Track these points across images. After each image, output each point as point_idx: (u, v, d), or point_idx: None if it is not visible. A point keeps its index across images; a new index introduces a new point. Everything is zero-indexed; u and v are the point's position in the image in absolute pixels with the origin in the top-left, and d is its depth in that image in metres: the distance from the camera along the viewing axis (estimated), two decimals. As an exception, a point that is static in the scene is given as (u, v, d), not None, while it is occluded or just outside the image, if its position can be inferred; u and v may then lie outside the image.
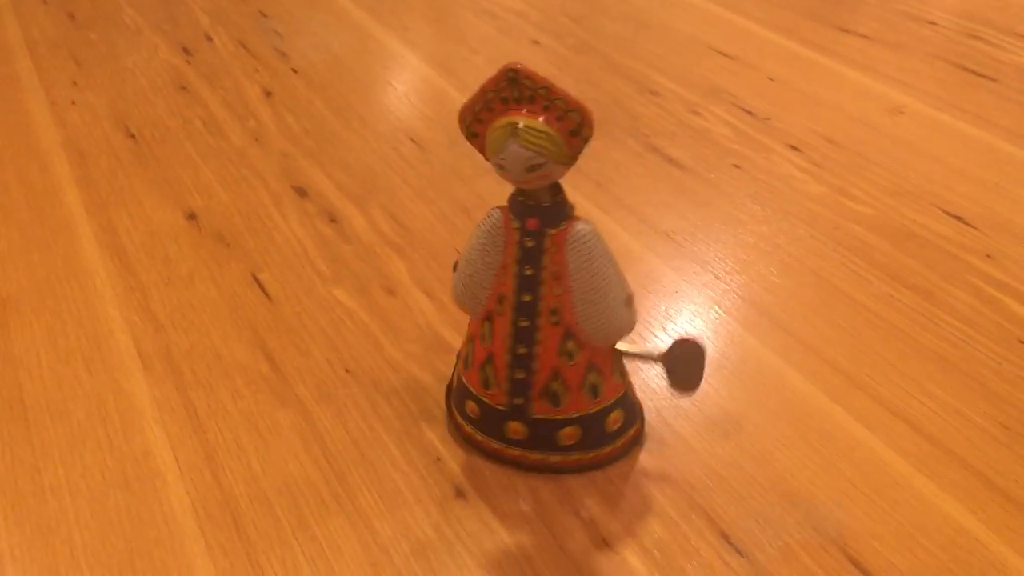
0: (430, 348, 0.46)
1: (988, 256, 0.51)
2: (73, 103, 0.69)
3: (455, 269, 0.39)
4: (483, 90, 0.35)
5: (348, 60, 0.75)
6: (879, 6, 0.82)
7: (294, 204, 0.57)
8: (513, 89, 0.35)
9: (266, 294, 0.50)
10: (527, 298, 0.37)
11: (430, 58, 0.75)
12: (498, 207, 0.38)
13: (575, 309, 0.37)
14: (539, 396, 0.38)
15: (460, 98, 0.69)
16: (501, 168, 0.35)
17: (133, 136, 0.65)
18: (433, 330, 0.47)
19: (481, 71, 0.74)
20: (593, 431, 0.39)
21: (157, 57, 0.76)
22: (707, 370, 0.39)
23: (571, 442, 0.39)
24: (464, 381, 0.40)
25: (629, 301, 0.38)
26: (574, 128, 0.34)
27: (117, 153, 0.63)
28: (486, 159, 0.36)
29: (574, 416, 0.39)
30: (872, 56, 0.73)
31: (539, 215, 0.37)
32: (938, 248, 0.52)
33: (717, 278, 0.50)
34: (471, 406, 0.40)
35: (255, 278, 0.51)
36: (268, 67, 0.74)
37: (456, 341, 0.47)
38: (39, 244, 0.54)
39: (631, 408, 0.40)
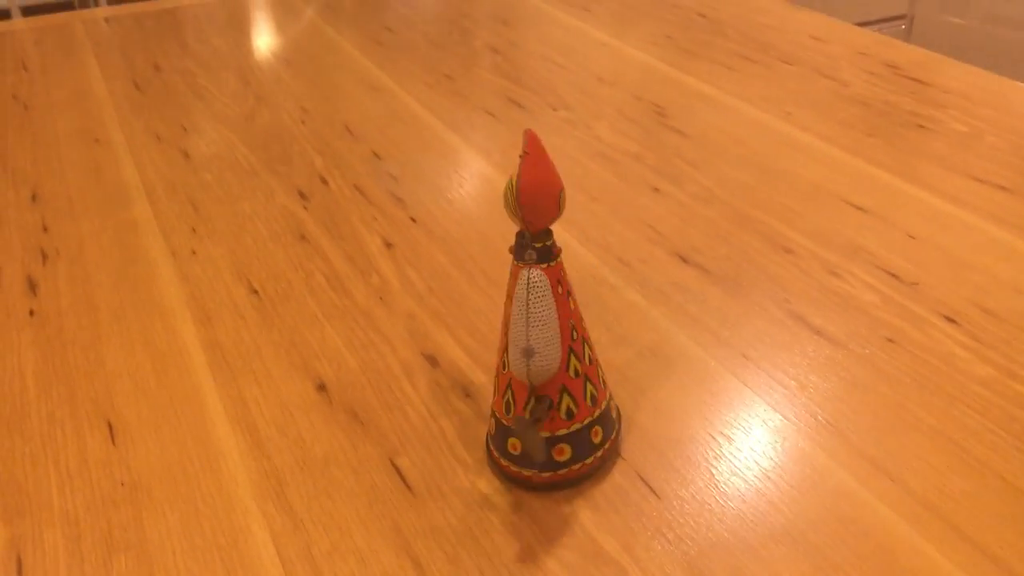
0: (588, 559, 0.43)
1: None
2: (194, 253, 0.69)
3: (531, 354, 0.43)
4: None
5: (466, 208, 0.74)
6: (1012, 153, 0.78)
7: (425, 375, 0.55)
8: None
9: (407, 485, 0.48)
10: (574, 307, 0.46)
11: (549, 206, 0.73)
12: (524, 266, 0.43)
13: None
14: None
15: (584, 252, 0.68)
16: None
17: (256, 292, 0.64)
18: (589, 535, 0.44)
19: (602, 220, 0.72)
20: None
21: (274, 201, 0.76)
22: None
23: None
24: (581, 433, 0.46)
25: (528, 353, 0.43)
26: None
27: (241, 312, 0.62)
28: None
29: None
30: (1013, 211, 0.70)
31: (516, 245, 0.44)
32: None
33: (893, 480, 0.46)
34: (595, 431, 0.47)
35: (393, 464, 0.49)
36: (385, 214, 0.73)
37: (614, 548, 0.43)
38: (168, 418, 0.53)
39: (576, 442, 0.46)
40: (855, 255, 0.65)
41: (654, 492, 0.46)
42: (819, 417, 0.51)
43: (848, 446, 0.49)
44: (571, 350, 0.45)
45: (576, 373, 0.45)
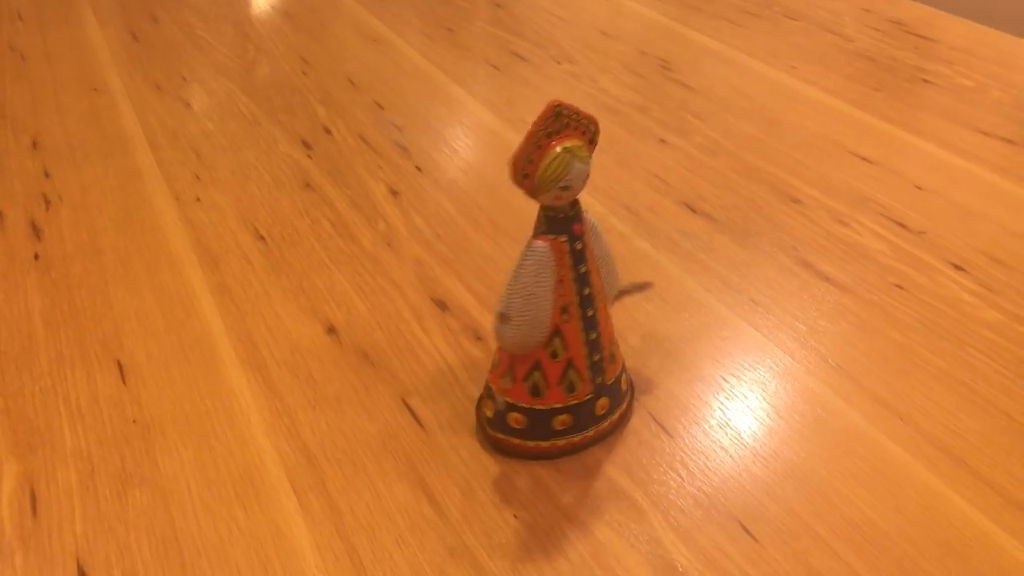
0: (603, 495, 0.43)
1: None
2: (198, 199, 0.68)
3: (505, 319, 0.42)
4: (532, 134, 0.40)
5: (471, 157, 0.73)
6: (1019, 107, 0.78)
7: (436, 319, 0.55)
8: (556, 122, 0.40)
9: (420, 423, 0.48)
10: (587, 291, 0.44)
11: (555, 156, 0.73)
12: (535, 239, 0.42)
13: (602, 279, 0.45)
14: (608, 362, 0.45)
15: (592, 201, 0.68)
16: (565, 190, 0.41)
17: (263, 238, 0.63)
18: (603, 472, 0.44)
19: (610, 171, 0.72)
20: (624, 381, 0.47)
21: (277, 150, 0.75)
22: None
23: (626, 388, 0.48)
24: (550, 407, 0.44)
25: (503, 318, 0.42)
26: (591, 137, 0.41)
27: (249, 257, 0.61)
28: (536, 197, 0.41)
29: (619, 369, 0.47)
30: (1020, 163, 0.70)
31: (575, 218, 0.43)
32: None
33: (903, 420, 0.47)
34: (562, 419, 0.45)
35: (406, 403, 0.49)
36: (390, 163, 0.73)
37: (628, 485, 0.44)
38: (178, 359, 0.52)
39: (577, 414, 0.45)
40: (862, 205, 0.65)
41: (666, 431, 0.47)
42: (829, 360, 0.51)
43: (858, 387, 0.49)
44: (557, 330, 0.43)
45: (554, 355, 0.43)
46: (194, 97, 0.85)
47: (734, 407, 0.48)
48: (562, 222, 0.42)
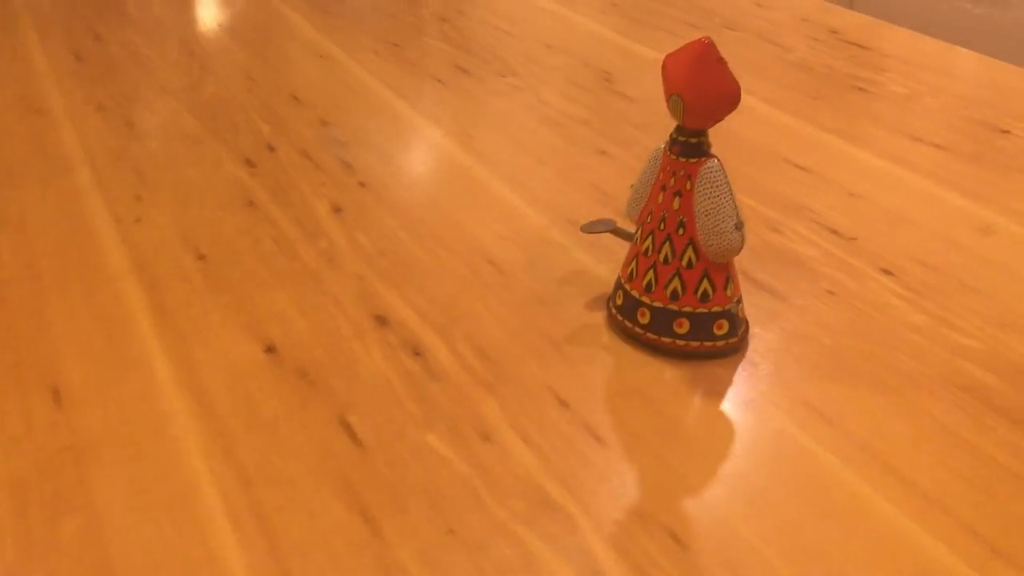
0: (535, 505, 0.44)
1: (1114, 399, 0.49)
2: (139, 220, 0.68)
3: (740, 227, 0.50)
4: (716, 56, 0.50)
5: (415, 172, 0.74)
6: (949, 112, 0.80)
7: (376, 335, 0.56)
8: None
9: (356, 441, 0.48)
10: (664, 211, 0.51)
11: (498, 171, 0.74)
12: (708, 159, 0.50)
13: (696, 225, 0.50)
14: (662, 289, 0.52)
15: (534, 215, 0.68)
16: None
17: (203, 257, 0.63)
18: (536, 484, 0.45)
19: (551, 183, 0.73)
20: (701, 328, 0.52)
21: (221, 169, 0.75)
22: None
23: (682, 331, 0.52)
24: (620, 278, 0.55)
25: (739, 226, 0.50)
26: None
27: (189, 277, 0.61)
28: (717, 116, 0.50)
29: (686, 311, 0.52)
30: (950, 168, 0.71)
31: (681, 146, 0.50)
32: (1059, 389, 0.50)
33: (831, 424, 0.48)
34: (619, 295, 0.54)
35: (343, 421, 0.49)
36: (334, 180, 0.73)
37: (561, 494, 0.44)
38: (115, 382, 0.52)
39: (735, 321, 0.52)
40: (797, 213, 0.67)
41: (599, 439, 0.47)
42: (760, 367, 0.52)
43: (788, 393, 0.50)
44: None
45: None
46: (137, 117, 0.85)
47: (669, 412, 0.49)
48: (674, 141, 0.51)
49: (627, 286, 0.54)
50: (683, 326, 0.52)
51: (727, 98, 0.50)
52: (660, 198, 0.51)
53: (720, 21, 1.03)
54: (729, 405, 0.49)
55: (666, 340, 0.52)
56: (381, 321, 0.57)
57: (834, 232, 0.64)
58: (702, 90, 0.49)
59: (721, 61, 0.49)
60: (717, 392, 0.50)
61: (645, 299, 0.52)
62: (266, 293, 0.60)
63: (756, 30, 1.00)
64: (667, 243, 0.51)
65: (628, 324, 0.54)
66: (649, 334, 0.53)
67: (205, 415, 0.50)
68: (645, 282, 0.52)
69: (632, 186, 0.54)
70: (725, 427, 0.48)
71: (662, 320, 0.52)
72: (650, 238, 0.52)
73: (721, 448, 0.47)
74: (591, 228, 0.59)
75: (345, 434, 0.48)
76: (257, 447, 0.48)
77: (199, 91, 0.90)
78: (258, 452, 0.47)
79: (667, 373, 0.52)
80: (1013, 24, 1.32)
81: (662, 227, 0.52)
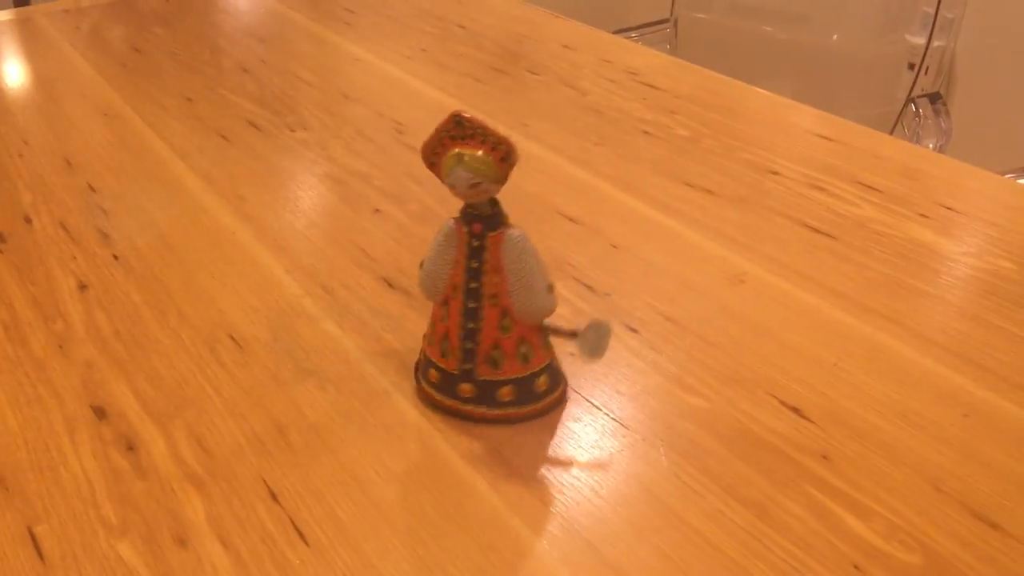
0: (218, 617, 0.41)
1: (824, 457, 0.49)
2: None
3: (422, 266, 0.52)
4: (437, 131, 0.49)
5: (175, 240, 0.71)
6: (725, 155, 0.81)
7: (90, 430, 0.52)
8: (458, 129, 0.48)
9: (39, 554, 0.45)
10: (473, 285, 0.51)
11: (263, 236, 0.71)
12: (453, 218, 0.51)
13: (509, 294, 0.50)
14: (483, 362, 0.51)
15: (289, 281, 0.66)
16: (452, 187, 0.49)
17: (-79, 350, 0.59)
18: (227, 592, 0.42)
19: (316, 246, 0.70)
20: (524, 391, 0.52)
21: (-34, 246, 0.71)
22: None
23: (508, 399, 0.52)
24: (427, 355, 0.53)
25: (550, 289, 0.51)
26: (504, 156, 0.48)
27: (-102, 374, 0.57)
28: (441, 181, 0.50)
29: (510, 378, 0.51)
30: (714, 215, 0.72)
31: (482, 221, 0.50)
32: (774, 449, 0.49)
33: (542, 501, 0.47)
34: (432, 373, 0.53)
35: (30, 532, 0.46)
36: (86, 253, 0.69)
37: (249, 604, 0.42)
38: None
39: (555, 375, 0.53)
40: (559, 268, 0.66)
41: (302, 536, 0.45)
42: (483, 440, 0.51)
43: (505, 467, 0.49)
44: (446, 300, 0.51)
45: (442, 319, 0.52)
46: None
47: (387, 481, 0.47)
48: (470, 216, 0.50)
49: (440, 362, 0.52)
50: (509, 393, 0.52)
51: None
52: (464, 272, 0.51)
53: (526, 65, 1.03)
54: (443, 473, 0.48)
55: (495, 411, 0.52)
56: (100, 414, 0.53)
57: (589, 288, 0.64)
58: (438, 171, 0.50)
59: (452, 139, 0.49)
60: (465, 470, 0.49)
61: (468, 368, 0.52)
62: (-19, 388, 0.56)
63: (559, 73, 1.00)
64: (480, 312, 0.51)
65: (448, 401, 0.53)
66: (469, 407, 0.52)
67: None
68: (463, 354, 0.51)
69: (422, 264, 0.53)
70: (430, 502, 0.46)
71: (487, 391, 0.51)
72: (461, 312, 0.51)
73: (428, 531, 0.45)
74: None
75: (30, 547, 0.45)
76: (-74, 571, 0.44)
77: (-35, 158, 0.85)
78: (-74, 577, 0.43)
79: (405, 448, 0.50)
80: (820, 48, 1.36)
81: (476, 299, 0.51)
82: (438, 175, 0.50)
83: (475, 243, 0.50)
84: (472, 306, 0.51)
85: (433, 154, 0.50)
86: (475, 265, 0.50)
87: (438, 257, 0.51)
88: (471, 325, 0.51)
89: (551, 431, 0.52)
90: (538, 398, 0.52)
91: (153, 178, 0.80)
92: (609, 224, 0.71)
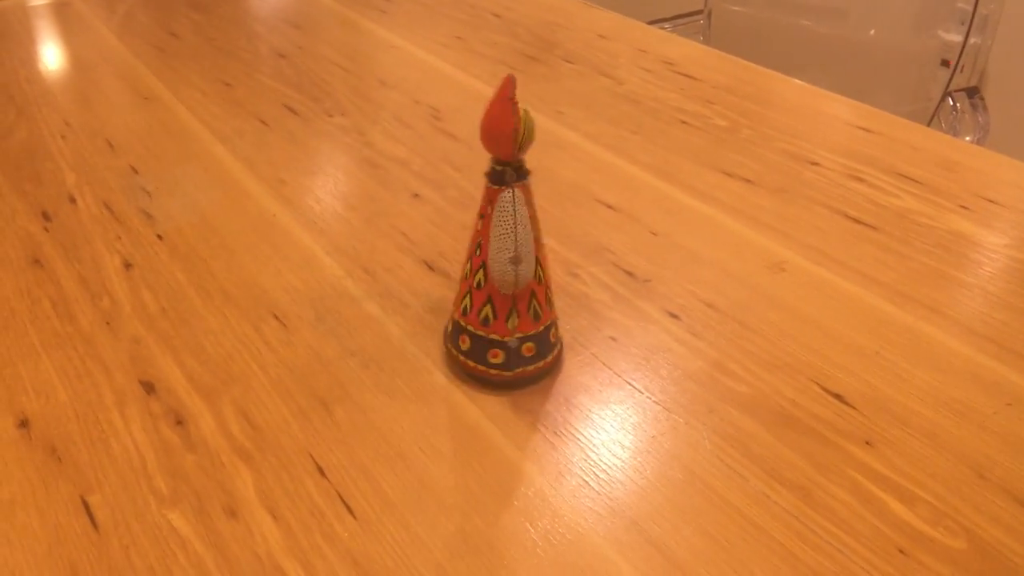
0: (268, 587, 0.42)
1: (867, 443, 0.49)
2: (-87, 284, 0.64)
3: (517, 263, 0.50)
4: (505, 96, 0.48)
5: (217, 222, 0.72)
6: (763, 145, 0.81)
7: (139, 403, 0.53)
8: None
9: (93, 523, 0.45)
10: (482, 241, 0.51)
11: (303, 218, 0.72)
12: (502, 191, 0.50)
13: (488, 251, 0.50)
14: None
15: (330, 263, 0.67)
16: (530, 142, 0.49)
17: (-28, 323, 0.60)
18: (274, 561, 0.43)
19: (358, 233, 0.71)
20: (477, 351, 0.53)
21: (13, 224, 0.72)
22: None
23: (529, 355, 0.53)
24: (455, 318, 0.54)
25: (515, 261, 0.49)
26: None
27: (-49, 346, 0.58)
28: (517, 152, 0.49)
29: (469, 330, 0.53)
30: (754, 204, 0.72)
31: (490, 174, 0.50)
32: (817, 435, 0.50)
33: (585, 481, 0.47)
34: (463, 339, 0.53)
35: (84, 502, 0.47)
36: (131, 232, 0.70)
37: (299, 573, 0.42)
38: None
39: (511, 355, 0.52)
40: (598, 255, 0.66)
41: (351, 511, 0.46)
42: (527, 420, 0.51)
43: (550, 448, 0.49)
44: (536, 260, 0.51)
45: (540, 279, 0.52)
46: (-64, 168, 0.81)
47: (436, 473, 0.48)
48: (519, 171, 0.50)
49: (461, 320, 0.54)
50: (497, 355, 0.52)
51: (498, 134, 0.49)
52: (479, 224, 0.51)
53: (560, 53, 1.03)
54: (488, 462, 0.48)
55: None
56: (148, 388, 0.54)
57: (630, 274, 0.64)
58: (484, 120, 0.49)
59: (509, 99, 0.48)
60: (486, 448, 0.49)
61: (461, 322, 0.53)
62: (31, 361, 0.57)
63: (593, 62, 1.00)
64: (481, 267, 0.51)
65: (453, 351, 0.55)
66: (495, 371, 0.53)
67: (-65, 502, 0.47)
68: (462, 307, 0.53)
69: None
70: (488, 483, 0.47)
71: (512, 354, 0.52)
72: (468, 262, 0.52)
73: (475, 507, 0.46)
74: None
75: (84, 516, 0.46)
76: (-16, 536, 0.45)
77: (9, 139, 0.86)
78: (-16, 542, 0.44)
79: (429, 416, 0.50)
80: (856, 42, 1.36)
81: (478, 252, 0.51)
82: (516, 140, 0.49)
83: (485, 193, 0.51)
84: (476, 257, 0.52)
85: (515, 117, 0.48)
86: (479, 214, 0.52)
87: (530, 232, 0.50)
88: (479, 278, 0.52)
89: (594, 413, 0.52)
90: (488, 366, 0.53)
91: (194, 161, 0.81)
92: (648, 211, 0.71)
